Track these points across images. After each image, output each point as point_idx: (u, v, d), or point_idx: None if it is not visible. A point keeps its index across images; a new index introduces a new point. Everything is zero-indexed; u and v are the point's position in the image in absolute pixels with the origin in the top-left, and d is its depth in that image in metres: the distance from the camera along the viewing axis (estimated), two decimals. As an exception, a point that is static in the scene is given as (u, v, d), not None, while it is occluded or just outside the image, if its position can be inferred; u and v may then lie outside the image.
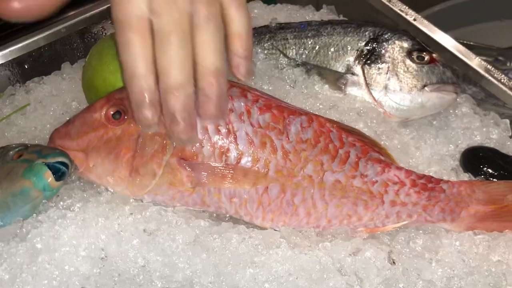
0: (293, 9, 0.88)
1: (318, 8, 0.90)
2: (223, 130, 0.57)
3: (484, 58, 1.23)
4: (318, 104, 0.69)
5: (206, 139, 0.57)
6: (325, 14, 0.88)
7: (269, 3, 0.89)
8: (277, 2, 0.91)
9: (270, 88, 0.71)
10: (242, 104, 0.58)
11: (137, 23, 0.49)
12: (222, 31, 0.51)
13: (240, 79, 0.54)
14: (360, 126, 0.67)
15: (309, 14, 0.87)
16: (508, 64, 1.21)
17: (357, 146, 0.60)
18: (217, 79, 0.51)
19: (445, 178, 0.64)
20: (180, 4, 0.48)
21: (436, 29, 0.78)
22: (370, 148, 0.61)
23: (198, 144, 0.57)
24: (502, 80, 0.73)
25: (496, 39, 1.24)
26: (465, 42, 1.19)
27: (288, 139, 0.58)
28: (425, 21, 0.79)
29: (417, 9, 0.83)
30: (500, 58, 1.22)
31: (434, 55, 0.72)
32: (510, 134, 0.71)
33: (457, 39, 1.13)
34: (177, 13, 0.48)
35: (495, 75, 0.73)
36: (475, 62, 0.75)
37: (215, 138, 0.57)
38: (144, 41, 0.49)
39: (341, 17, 0.88)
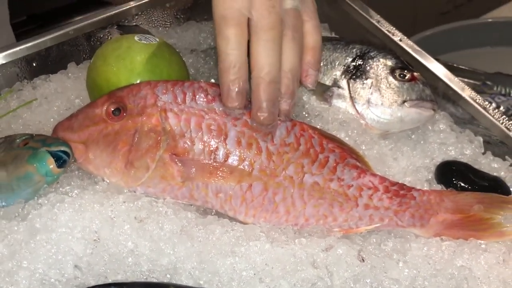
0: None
1: (312, 25, 0.95)
2: (215, 130, 0.62)
3: (472, 81, 1.29)
4: (304, 113, 0.74)
5: (197, 137, 0.62)
6: (318, 30, 0.93)
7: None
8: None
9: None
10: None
11: (238, 19, 0.55)
12: (302, 42, 0.59)
13: (307, 87, 0.62)
14: (341, 135, 0.72)
15: (303, 30, 0.93)
16: (495, 89, 1.27)
17: (336, 152, 0.65)
18: (292, 82, 0.58)
19: (418, 187, 0.68)
20: (277, 9, 0.56)
21: (419, 49, 0.83)
22: (348, 155, 0.65)
23: (190, 142, 0.62)
24: (477, 100, 0.78)
25: (485, 65, 1.29)
26: (454, 65, 1.25)
27: (273, 141, 0.63)
28: (410, 42, 0.84)
29: (408, 33, 0.88)
30: (488, 82, 1.27)
31: (415, 73, 0.77)
32: (482, 151, 0.76)
33: (446, 62, 1.19)
34: (275, 16, 0.55)
35: (471, 95, 0.78)
36: (454, 82, 0.80)
37: (206, 137, 0.62)
38: (243, 36, 0.55)
39: (333, 34, 0.93)
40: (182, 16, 0.96)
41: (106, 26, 0.89)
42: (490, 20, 1.45)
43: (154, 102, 0.63)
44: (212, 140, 0.62)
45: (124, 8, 0.89)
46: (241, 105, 0.58)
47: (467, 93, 0.78)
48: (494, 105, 1.18)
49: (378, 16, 0.88)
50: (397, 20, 0.89)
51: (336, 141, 0.67)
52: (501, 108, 1.20)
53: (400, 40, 0.85)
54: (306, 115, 0.74)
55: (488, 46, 1.41)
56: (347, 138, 0.71)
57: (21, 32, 1.07)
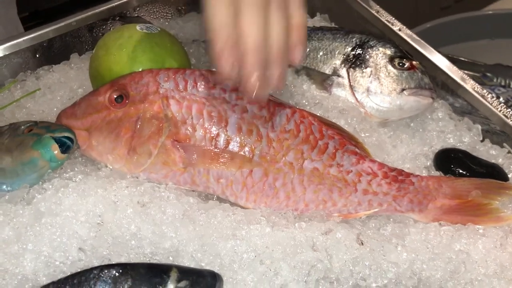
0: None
1: (312, 15, 0.96)
2: (215, 117, 0.63)
3: (472, 73, 1.29)
4: (304, 101, 0.75)
5: (198, 124, 0.63)
6: (318, 21, 0.94)
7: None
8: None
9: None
10: (233, 95, 0.65)
11: None
12: (288, 14, 0.58)
13: (295, 64, 0.60)
14: (341, 123, 0.72)
15: (303, 21, 0.94)
16: (495, 80, 1.27)
17: (336, 138, 0.66)
18: (282, 47, 0.57)
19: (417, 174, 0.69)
20: None
21: (418, 38, 0.84)
22: (347, 141, 0.66)
23: (191, 128, 0.63)
24: (476, 89, 0.78)
25: (485, 56, 1.29)
26: (455, 57, 1.26)
27: (273, 128, 0.64)
28: (409, 31, 0.85)
29: (409, 27, 0.89)
30: (488, 74, 1.28)
31: (414, 62, 0.78)
32: (481, 138, 0.77)
33: (447, 54, 1.19)
34: None
35: (470, 83, 0.79)
36: (453, 71, 0.81)
37: (207, 123, 0.63)
38: (231, 1, 0.55)
39: (333, 25, 0.94)
40: (183, 7, 0.97)
41: (108, 17, 0.90)
42: (490, 12, 1.45)
43: (156, 90, 0.64)
44: (213, 126, 0.63)
45: (126, 0, 0.90)
46: (235, 66, 0.55)
47: (465, 81, 0.79)
48: (494, 96, 1.18)
49: (378, 6, 0.89)
50: (398, 16, 0.90)
51: (335, 128, 0.68)
52: (501, 99, 1.21)
53: (399, 30, 0.86)
54: (306, 103, 0.75)
55: (488, 38, 1.42)
56: (346, 126, 0.72)
57: (24, 28, 1.08)
